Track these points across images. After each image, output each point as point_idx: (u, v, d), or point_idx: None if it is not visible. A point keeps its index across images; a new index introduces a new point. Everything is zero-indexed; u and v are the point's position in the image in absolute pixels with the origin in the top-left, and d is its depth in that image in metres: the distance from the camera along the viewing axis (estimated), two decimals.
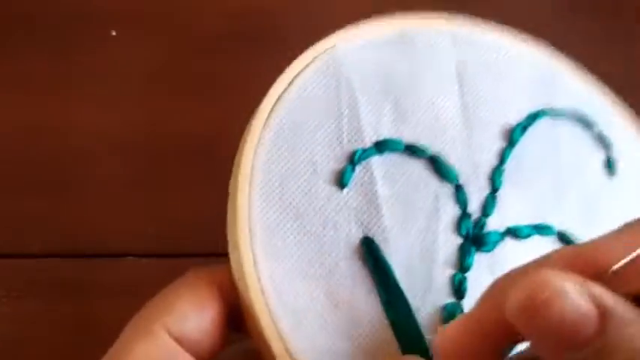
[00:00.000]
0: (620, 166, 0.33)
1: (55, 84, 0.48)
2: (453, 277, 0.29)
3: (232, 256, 0.28)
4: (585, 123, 0.34)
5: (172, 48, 0.48)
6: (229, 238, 0.28)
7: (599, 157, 0.33)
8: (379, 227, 0.29)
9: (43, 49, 0.48)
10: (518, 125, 0.33)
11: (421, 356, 0.27)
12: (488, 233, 0.30)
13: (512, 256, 0.30)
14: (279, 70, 0.31)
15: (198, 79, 0.46)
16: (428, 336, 0.28)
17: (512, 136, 0.32)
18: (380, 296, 0.28)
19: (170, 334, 0.26)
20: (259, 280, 0.27)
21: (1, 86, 0.47)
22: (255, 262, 0.27)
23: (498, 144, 0.32)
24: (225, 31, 0.47)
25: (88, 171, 0.46)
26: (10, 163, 0.46)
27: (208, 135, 0.43)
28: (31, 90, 0.48)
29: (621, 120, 0.35)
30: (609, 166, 0.33)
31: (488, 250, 0.30)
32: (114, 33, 0.48)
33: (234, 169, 0.29)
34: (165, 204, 0.29)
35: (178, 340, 0.26)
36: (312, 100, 0.31)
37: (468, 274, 0.29)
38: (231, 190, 0.29)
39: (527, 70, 0.34)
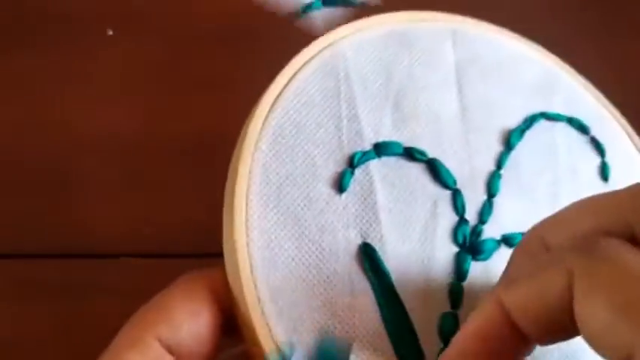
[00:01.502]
0: (613, 172, 0.33)
1: (51, 83, 0.48)
2: (449, 287, 0.29)
3: (228, 262, 0.27)
4: (580, 128, 0.34)
5: (169, 47, 0.48)
6: (225, 243, 0.28)
7: (594, 162, 0.33)
8: (377, 233, 0.28)
9: (41, 49, 0.49)
10: (516, 129, 0.32)
11: None
12: (485, 241, 0.30)
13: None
14: (278, 69, 0.30)
15: (194, 79, 0.45)
16: (423, 346, 0.27)
17: (509, 140, 0.32)
18: (378, 303, 0.27)
19: (162, 343, 0.26)
20: (256, 286, 0.26)
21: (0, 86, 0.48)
22: (252, 269, 0.27)
23: (496, 148, 0.32)
24: (222, 30, 0.46)
25: (85, 171, 0.45)
26: (7, 163, 0.46)
27: (205, 135, 0.43)
28: (27, 90, 0.48)
29: (613, 126, 0.35)
30: (603, 171, 0.33)
31: (485, 259, 0.30)
32: (110, 32, 0.48)
33: (230, 172, 0.29)
34: (163, 204, 0.28)
35: (171, 349, 0.26)
36: (311, 100, 0.30)
37: (464, 283, 0.29)
38: (227, 193, 0.28)
39: (526, 72, 0.34)
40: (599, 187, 0.33)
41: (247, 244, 0.27)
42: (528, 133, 0.33)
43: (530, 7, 0.43)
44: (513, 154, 0.32)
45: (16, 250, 0.43)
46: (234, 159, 0.29)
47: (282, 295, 0.27)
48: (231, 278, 0.27)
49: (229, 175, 0.29)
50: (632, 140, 0.35)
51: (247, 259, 0.27)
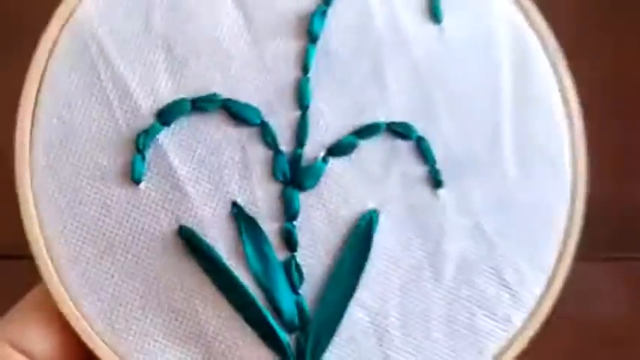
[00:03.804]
0: (446, 8, 0.29)
1: None
2: (279, 230, 0.28)
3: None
4: None
5: None
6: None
7: (419, 4, 0.29)
8: (190, 211, 0.27)
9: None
10: (315, 11, 0.28)
11: (273, 334, 0.27)
12: (309, 166, 0.28)
13: (340, 181, 0.28)
14: None
15: None
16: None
17: (311, 29, 0.28)
18: (212, 281, 0.27)
19: (13, 346, 0.27)
20: (82, 316, 0.27)
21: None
22: (74, 302, 0.27)
23: (298, 45, 0.28)
24: None
25: None
26: (8, 164, 0.46)
27: None
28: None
29: None
30: (433, 10, 0.29)
31: (313, 185, 0.28)
32: None
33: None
34: None
35: (25, 352, 0.27)
36: (70, 96, 0.27)
37: (297, 222, 0.28)
38: (25, 226, 0.27)
39: None
40: (429, 34, 0.29)
41: (59, 278, 0.27)
42: (333, 9, 0.28)
43: None
44: (320, 44, 0.28)
45: (17, 251, 0.44)
46: (16, 183, 0.27)
47: (116, 317, 0.27)
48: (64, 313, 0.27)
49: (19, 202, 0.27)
50: None
51: (65, 293, 0.27)
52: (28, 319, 0.27)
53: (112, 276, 0.27)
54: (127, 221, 0.27)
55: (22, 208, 0.27)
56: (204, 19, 0.27)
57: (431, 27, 0.29)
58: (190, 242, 0.27)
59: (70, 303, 0.27)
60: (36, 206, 0.27)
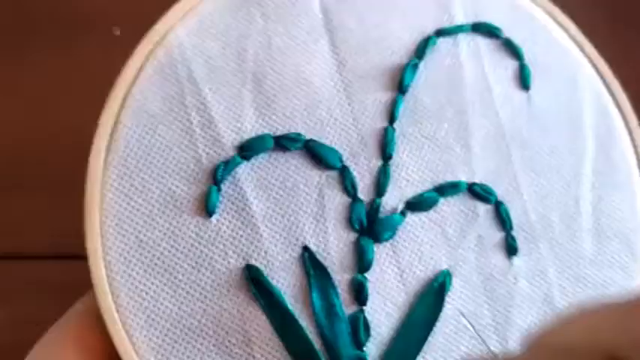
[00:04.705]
0: (536, 74, 0.28)
1: (53, 84, 0.46)
2: (350, 282, 0.26)
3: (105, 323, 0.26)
4: (489, 32, 0.28)
5: None
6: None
7: (510, 70, 0.28)
8: (260, 250, 0.26)
9: (47, 49, 0.46)
10: (407, 65, 0.28)
11: None
12: (386, 218, 0.27)
13: (416, 237, 0.27)
14: None
15: None
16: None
17: (402, 81, 0.27)
18: (274, 328, 0.26)
19: None
20: (138, 354, 0.25)
21: (2, 86, 0.46)
22: (129, 337, 0.25)
23: (387, 97, 0.27)
24: None
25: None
26: (12, 163, 0.46)
27: None
28: (29, 90, 0.46)
29: (535, 15, 0.29)
30: (522, 78, 0.28)
31: (389, 238, 0.27)
32: (118, 33, 0.46)
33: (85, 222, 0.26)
34: None
35: None
36: (153, 118, 0.26)
37: (369, 274, 0.26)
38: (87, 247, 0.26)
39: None
40: (517, 100, 0.28)
41: (117, 311, 0.25)
42: (424, 64, 0.28)
43: None
44: (408, 96, 0.27)
45: (16, 251, 0.44)
46: (85, 205, 0.26)
47: (169, 353, 0.25)
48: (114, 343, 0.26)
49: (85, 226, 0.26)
50: (561, 25, 0.29)
51: (121, 330, 0.25)
52: (69, 347, 0.26)
53: (171, 310, 0.25)
54: (194, 253, 0.26)
55: (87, 228, 0.25)
56: (297, 58, 0.27)
57: (518, 93, 0.28)
58: (256, 283, 0.26)
59: (123, 333, 0.25)
60: (102, 227, 0.25)
